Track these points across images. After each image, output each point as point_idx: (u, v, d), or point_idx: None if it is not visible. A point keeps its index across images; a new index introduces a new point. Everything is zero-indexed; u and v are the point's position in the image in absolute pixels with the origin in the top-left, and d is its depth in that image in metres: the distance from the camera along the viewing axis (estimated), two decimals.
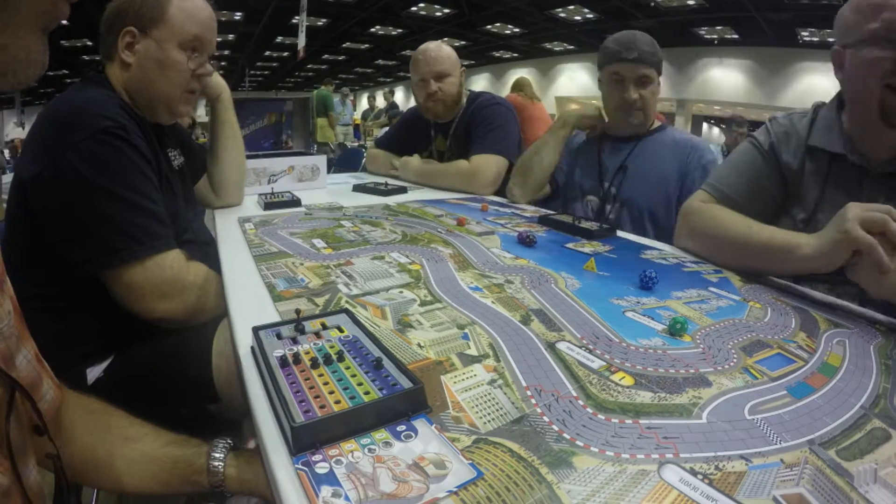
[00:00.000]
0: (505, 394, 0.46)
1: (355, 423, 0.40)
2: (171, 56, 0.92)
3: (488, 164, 1.54)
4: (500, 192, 1.55)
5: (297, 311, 0.55)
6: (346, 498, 0.33)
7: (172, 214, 0.90)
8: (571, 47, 11.71)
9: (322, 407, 0.40)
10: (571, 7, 8.69)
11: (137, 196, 0.81)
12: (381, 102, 8.82)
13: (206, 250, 0.98)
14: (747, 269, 0.85)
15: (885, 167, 0.83)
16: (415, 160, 1.73)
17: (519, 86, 4.49)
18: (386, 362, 0.46)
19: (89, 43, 10.12)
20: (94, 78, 0.93)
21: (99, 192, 0.78)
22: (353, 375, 0.45)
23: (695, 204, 0.99)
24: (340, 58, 13.99)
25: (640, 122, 1.36)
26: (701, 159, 1.28)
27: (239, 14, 9.10)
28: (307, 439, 0.38)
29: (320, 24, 9.84)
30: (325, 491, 0.34)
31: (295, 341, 0.51)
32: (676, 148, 1.31)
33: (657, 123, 1.42)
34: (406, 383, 0.43)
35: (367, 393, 0.42)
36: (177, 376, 0.80)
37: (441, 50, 1.68)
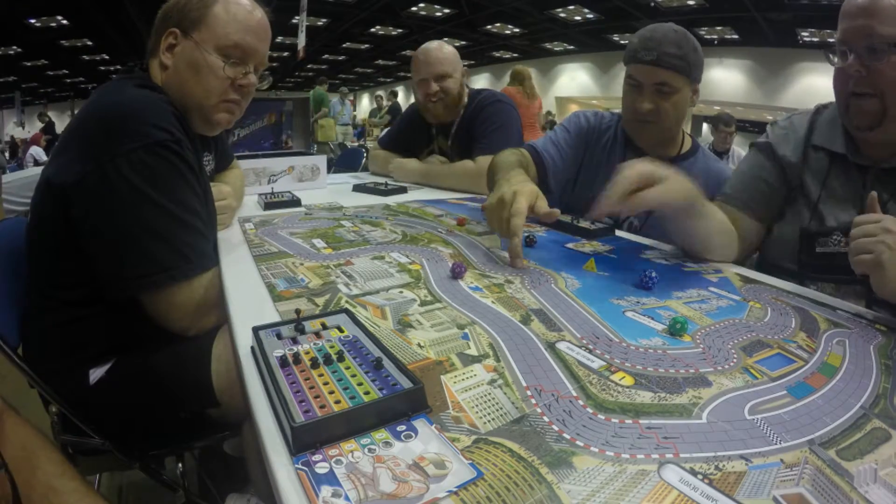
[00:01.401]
0: (505, 394, 0.46)
1: (355, 423, 0.40)
2: (207, 60, 0.87)
3: None
4: None
5: (297, 311, 0.55)
6: (346, 498, 0.33)
7: (210, 223, 0.89)
8: (571, 47, 11.72)
9: (322, 407, 0.40)
10: (571, 7, 8.70)
11: (188, 213, 0.79)
12: (389, 102, 8.84)
13: None
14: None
15: (887, 163, 0.84)
16: (411, 162, 1.72)
17: (519, 79, 4.28)
18: (386, 362, 0.46)
19: (89, 43, 10.13)
20: (140, 76, 0.89)
21: (150, 205, 0.75)
22: (353, 375, 0.45)
23: None
24: (340, 58, 14.00)
25: (655, 141, 1.19)
26: None
27: None
28: (307, 439, 0.38)
29: (320, 24, 9.85)
30: (325, 491, 0.34)
31: (295, 341, 0.51)
32: (709, 181, 1.08)
33: (688, 143, 1.25)
34: (406, 383, 0.43)
35: (367, 393, 0.42)
36: (176, 381, 0.79)
37: (442, 50, 1.66)
